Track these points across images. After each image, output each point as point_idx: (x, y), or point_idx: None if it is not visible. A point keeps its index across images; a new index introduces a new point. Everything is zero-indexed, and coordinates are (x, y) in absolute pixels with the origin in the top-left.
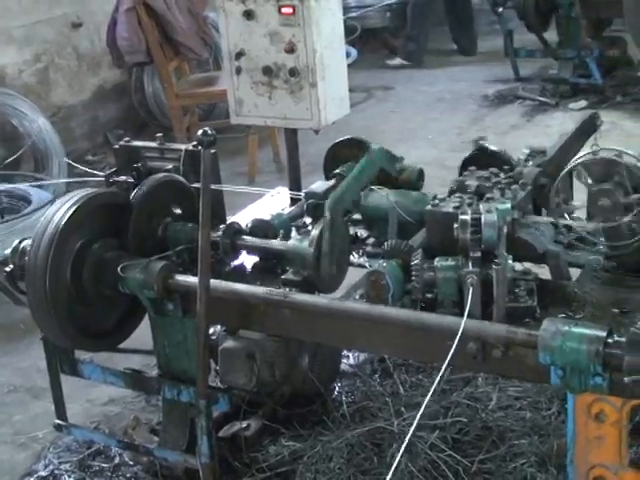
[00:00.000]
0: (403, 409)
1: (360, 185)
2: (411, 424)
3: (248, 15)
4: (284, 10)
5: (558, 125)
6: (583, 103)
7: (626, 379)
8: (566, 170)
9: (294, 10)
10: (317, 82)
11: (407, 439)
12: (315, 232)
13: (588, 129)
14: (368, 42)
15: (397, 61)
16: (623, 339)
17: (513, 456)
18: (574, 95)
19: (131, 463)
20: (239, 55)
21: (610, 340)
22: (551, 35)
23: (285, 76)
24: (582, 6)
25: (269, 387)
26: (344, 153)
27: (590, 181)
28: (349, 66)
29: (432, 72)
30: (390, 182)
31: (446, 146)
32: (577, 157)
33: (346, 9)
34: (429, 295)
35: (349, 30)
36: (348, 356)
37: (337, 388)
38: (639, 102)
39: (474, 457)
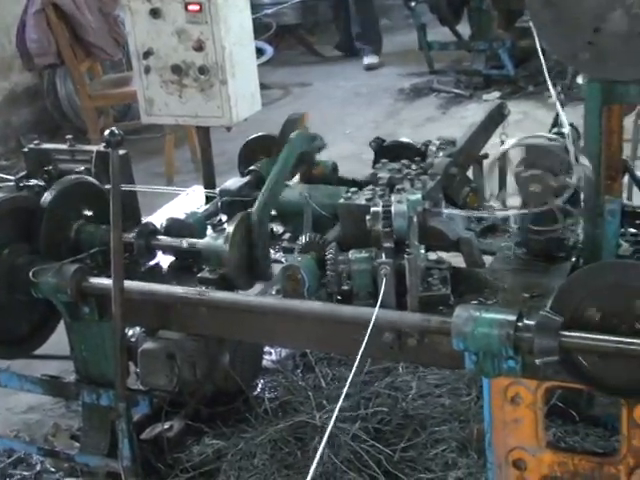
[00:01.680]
0: (325, 402)
1: (285, 177)
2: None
3: (154, 13)
4: (191, 7)
5: (472, 116)
6: (496, 94)
7: (537, 361)
8: (496, 158)
9: (201, 7)
10: (227, 79)
11: (328, 432)
12: (230, 229)
13: (496, 119)
14: (284, 39)
15: (368, 59)
16: (533, 322)
17: (434, 443)
18: (487, 86)
19: (53, 470)
20: (147, 54)
21: (520, 324)
22: (464, 28)
23: (195, 74)
24: None
25: (191, 387)
26: (258, 150)
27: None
28: (265, 63)
29: (348, 67)
30: (305, 177)
31: (363, 140)
32: (507, 144)
33: (261, 6)
34: (344, 287)
35: (264, 27)
36: (270, 352)
37: (259, 384)
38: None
39: (396, 446)
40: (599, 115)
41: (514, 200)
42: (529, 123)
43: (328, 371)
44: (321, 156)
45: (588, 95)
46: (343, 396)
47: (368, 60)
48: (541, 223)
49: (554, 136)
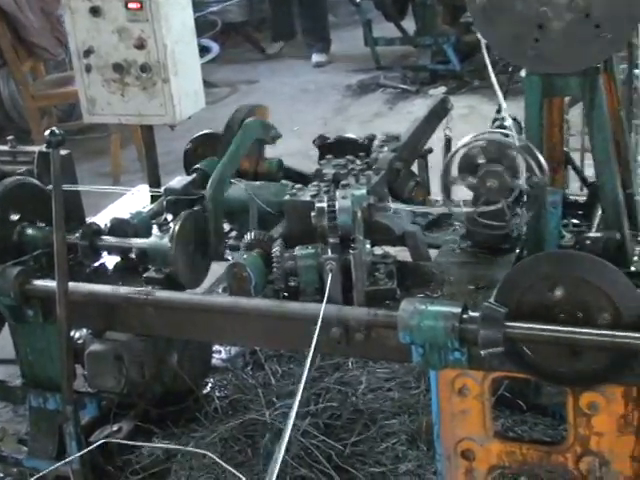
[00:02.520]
0: (275, 399)
1: (238, 160)
2: (282, 413)
3: (94, 12)
4: (131, 5)
5: (419, 111)
6: (442, 89)
7: (483, 352)
8: (454, 152)
9: (141, 5)
10: (169, 77)
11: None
12: (175, 227)
13: (440, 113)
14: (230, 36)
15: (316, 57)
16: (477, 314)
17: (384, 436)
18: (434, 81)
19: (1, 475)
20: (88, 53)
21: (465, 316)
22: (409, 23)
23: (137, 72)
24: None
25: (139, 388)
26: (203, 148)
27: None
28: (211, 61)
29: (295, 64)
30: (249, 175)
31: (311, 137)
32: (468, 139)
33: (206, 4)
34: (291, 284)
35: (210, 25)
36: (220, 351)
37: (209, 383)
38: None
39: (347, 440)
40: (539, 108)
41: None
42: (475, 117)
43: (278, 368)
44: (267, 153)
45: (528, 88)
46: (299, 393)
47: (317, 58)
48: (490, 218)
49: (510, 132)
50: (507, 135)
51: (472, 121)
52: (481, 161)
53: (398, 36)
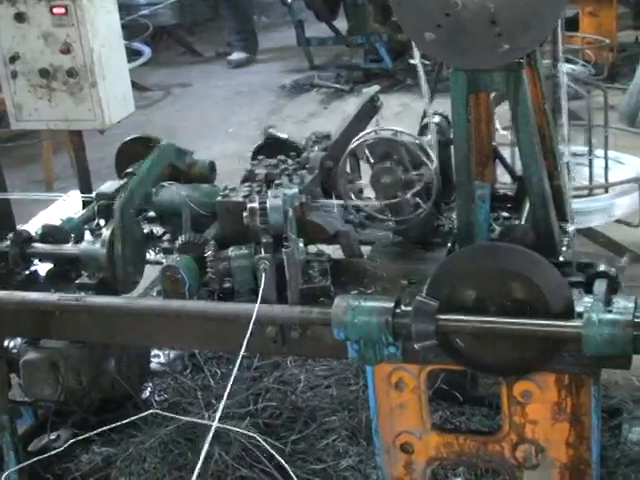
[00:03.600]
0: (214, 401)
1: (151, 181)
2: (222, 415)
3: (19, 18)
4: (56, 10)
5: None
6: (376, 87)
7: (416, 346)
8: (348, 151)
9: (66, 10)
10: (97, 82)
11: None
12: (106, 233)
13: (369, 111)
14: (162, 39)
15: (235, 55)
16: (410, 308)
17: (325, 433)
18: (367, 80)
19: None
20: (13, 59)
21: (398, 310)
22: (342, 23)
23: (63, 77)
24: None
25: (77, 395)
26: (135, 152)
27: (372, 160)
28: (144, 65)
29: (227, 65)
30: (183, 177)
31: (246, 139)
32: (358, 137)
33: (137, 7)
34: (226, 285)
35: (141, 28)
36: (159, 355)
37: (148, 388)
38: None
39: (287, 439)
40: (465, 104)
41: None
42: (408, 115)
43: (217, 370)
44: (203, 156)
45: (453, 85)
46: (227, 394)
47: (235, 56)
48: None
49: (402, 130)
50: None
51: (405, 119)
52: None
53: (331, 36)
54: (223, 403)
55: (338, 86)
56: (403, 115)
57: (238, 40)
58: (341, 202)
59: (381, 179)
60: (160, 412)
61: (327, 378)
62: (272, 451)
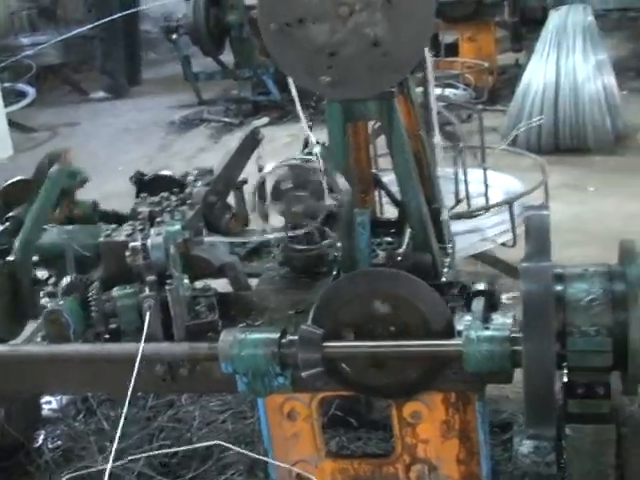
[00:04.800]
0: (108, 445)
1: (45, 213)
2: (116, 458)
3: None
4: None
5: None
6: (265, 120)
7: (304, 374)
8: (260, 180)
9: None
10: None
11: (107, 473)
12: None
13: (251, 144)
14: (47, 79)
15: (100, 94)
16: (296, 337)
17: (222, 468)
18: (256, 112)
19: None
20: None
21: (284, 340)
22: (229, 57)
23: None
24: (252, 26)
25: None
26: (16, 195)
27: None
28: (29, 106)
29: (117, 104)
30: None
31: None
32: (270, 167)
33: (20, 47)
34: (112, 326)
35: (25, 69)
36: (50, 401)
37: (40, 435)
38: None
39: (185, 477)
40: (342, 133)
41: (278, 221)
42: (298, 145)
43: (111, 413)
44: (93, 195)
45: (329, 115)
46: (118, 436)
47: (98, 95)
48: (302, 242)
49: (310, 157)
50: (308, 161)
51: (296, 149)
52: (287, 187)
53: (218, 70)
54: (115, 445)
55: (227, 120)
56: (293, 146)
57: (111, 76)
58: (228, 239)
59: (292, 208)
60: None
61: (222, 413)
62: None
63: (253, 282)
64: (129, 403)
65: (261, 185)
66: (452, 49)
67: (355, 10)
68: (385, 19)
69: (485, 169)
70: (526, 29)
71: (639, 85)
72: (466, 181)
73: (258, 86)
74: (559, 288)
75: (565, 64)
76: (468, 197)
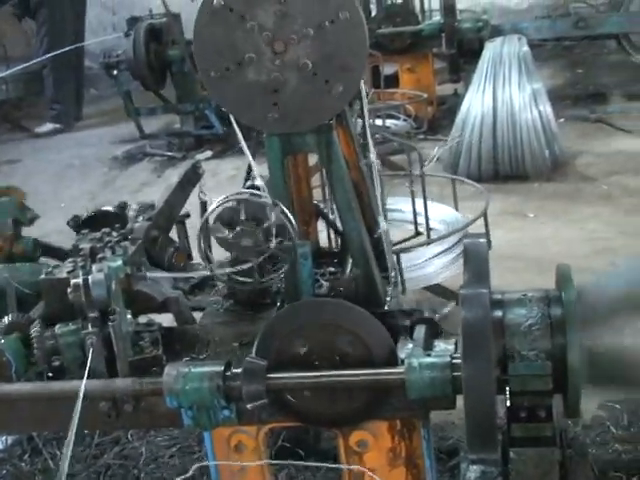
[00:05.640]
0: None
1: None
2: None
3: None
4: None
5: None
6: (208, 153)
7: (248, 406)
8: (208, 213)
9: None
10: None
11: None
12: None
13: (192, 178)
14: None
15: (48, 127)
16: (240, 370)
17: None
18: (199, 146)
19: None
20: None
21: (228, 373)
22: (171, 91)
23: None
24: (193, 61)
25: None
26: None
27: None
28: None
29: (58, 139)
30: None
31: (79, 213)
32: (219, 200)
33: None
34: (55, 363)
35: None
36: None
37: None
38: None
39: None
40: (281, 166)
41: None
42: (242, 178)
43: (57, 452)
44: (35, 233)
45: (268, 148)
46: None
47: (46, 127)
48: (248, 275)
49: (257, 192)
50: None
51: (240, 182)
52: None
53: (160, 104)
54: None
55: (170, 154)
56: (238, 178)
57: (54, 111)
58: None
59: (241, 242)
60: None
61: (169, 448)
62: None
63: (198, 315)
64: (75, 441)
65: (205, 225)
66: (392, 81)
67: (290, 43)
68: (320, 46)
69: (425, 199)
70: (464, 60)
71: (576, 113)
72: (426, 212)
73: (200, 120)
74: (498, 314)
75: (502, 93)
76: (428, 228)
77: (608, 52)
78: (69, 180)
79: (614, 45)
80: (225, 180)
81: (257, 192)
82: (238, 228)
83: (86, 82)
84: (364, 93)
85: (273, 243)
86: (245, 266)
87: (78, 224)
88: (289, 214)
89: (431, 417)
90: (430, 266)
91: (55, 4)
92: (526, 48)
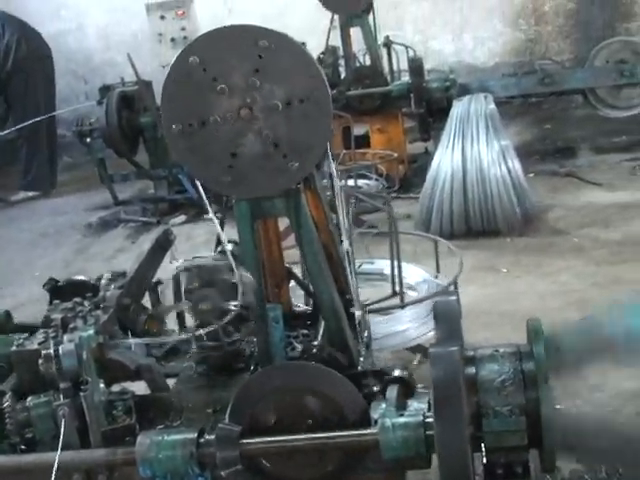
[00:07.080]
0: None
1: None
2: None
3: None
4: None
5: None
6: (183, 217)
7: (223, 473)
8: (173, 277)
9: None
10: None
11: None
12: None
13: (164, 244)
14: None
15: (22, 195)
16: (213, 436)
17: None
18: (174, 211)
19: None
20: None
21: (202, 440)
22: (144, 157)
23: None
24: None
25: None
26: None
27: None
28: None
29: (33, 207)
30: None
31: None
32: (177, 266)
33: None
34: (28, 436)
35: None
36: None
37: None
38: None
39: None
40: (251, 230)
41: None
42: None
43: None
44: (9, 302)
45: (238, 213)
46: None
47: (21, 195)
48: (216, 339)
49: (219, 256)
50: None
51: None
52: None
53: (133, 171)
54: None
55: (145, 219)
56: (212, 243)
57: (28, 179)
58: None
59: (200, 306)
60: None
61: None
62: None
63: (172, 382)
64: None
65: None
66: (363, 141)
67: (256, 112)
68: (285, 122)
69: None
70: (433, 119)
71: (544, 167)
72: (400, 272)
73: (174, 185)
74: (471, 370)
75: (471, 150)
76: (401, 287)
77: (575, 107)
78: (43, 248)
79: (581, 100)
80: (199, 244)
81: (214, 256)
82: (195, 294)
83: (60, 150)
84: (330, 155)
85: (234, 305)
86: (204, 331)
87: (54, 287)
88: (250, 276)
89: (408, 478)
90: (409, 330)
91: (26, 75)
92: (493, 106)
